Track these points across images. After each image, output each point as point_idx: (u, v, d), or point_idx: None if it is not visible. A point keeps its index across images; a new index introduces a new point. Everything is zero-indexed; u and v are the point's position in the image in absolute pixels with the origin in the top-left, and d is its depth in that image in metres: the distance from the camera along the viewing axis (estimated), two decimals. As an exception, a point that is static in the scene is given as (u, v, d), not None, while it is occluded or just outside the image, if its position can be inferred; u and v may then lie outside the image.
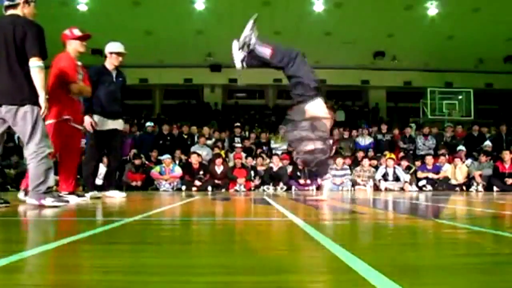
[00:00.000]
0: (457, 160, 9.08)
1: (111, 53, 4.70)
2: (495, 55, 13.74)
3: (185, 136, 10.45)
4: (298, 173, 8.74)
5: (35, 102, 3.03)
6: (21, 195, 3.78)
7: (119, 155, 5.18)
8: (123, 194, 4.84)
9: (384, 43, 13.53)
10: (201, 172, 8.70)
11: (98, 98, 4.52)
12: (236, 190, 8.19)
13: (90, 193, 4.47)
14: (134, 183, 8.55)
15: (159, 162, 8.96)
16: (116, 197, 4.61)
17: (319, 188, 8.97)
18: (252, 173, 8.90)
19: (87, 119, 4.45)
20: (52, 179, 3.17)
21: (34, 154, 3.03)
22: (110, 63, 4.71)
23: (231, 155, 9.73)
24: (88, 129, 4.46)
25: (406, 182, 8.76)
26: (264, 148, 10.41)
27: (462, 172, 8.97)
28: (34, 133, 3.02)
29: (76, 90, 4.05)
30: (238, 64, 3.77)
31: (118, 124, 4.75)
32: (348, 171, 9.10)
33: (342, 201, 4.43)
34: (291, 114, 3.71)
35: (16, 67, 2.97)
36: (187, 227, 2.02)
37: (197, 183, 8.51)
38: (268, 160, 9.46)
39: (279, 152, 9.90)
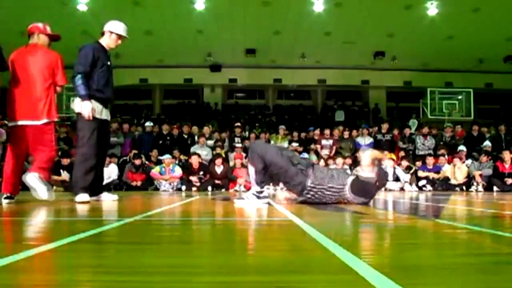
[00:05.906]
0: (457, 160, 9.08)
1: (112, 32, 4.02)
2: (495, 55, 13.76)
3: (185, 136, 10.46)
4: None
5: None
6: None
7: (106, 152, 4.39)
8: (115, 196, 4.16)
9: (384, 43, 13.53)
10: (201, 172, 8.71)
11: (93, 80, 3.80)
12: (236, 190, 8.18)
13: (82, 196, 3.65)
14: (134, 183, 8.57)
15: (159, 162, 8.97)
16: (109, 199, 4.00)
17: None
18: (252, 173, 8.89)
19: (87, 105, 3.71)
20: None
21: None
22: (107, 44, 4.03)
23: (231, 155, 9.73)
24: (89, 117, 3.71)
25: (406, 182, 8.76)
26: (264, 148, 10.40)
27: (462, 172, 8.97)
28: None
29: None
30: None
31: (109, 114, 4.06)
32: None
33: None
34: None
35: None
36: (187, 227, 2.02)
37: (197, 183, 8.52)
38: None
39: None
